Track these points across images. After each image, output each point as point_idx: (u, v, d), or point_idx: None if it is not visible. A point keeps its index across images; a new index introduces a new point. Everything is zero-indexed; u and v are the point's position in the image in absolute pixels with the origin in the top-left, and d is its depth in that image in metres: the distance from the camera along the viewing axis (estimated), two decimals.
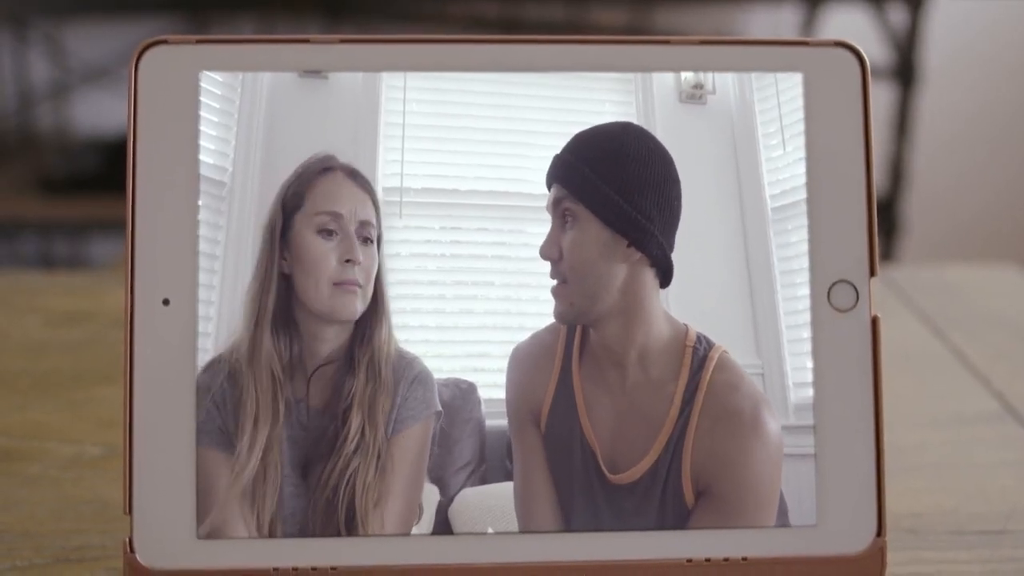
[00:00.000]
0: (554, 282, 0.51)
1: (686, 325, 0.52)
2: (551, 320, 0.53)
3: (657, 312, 0.51)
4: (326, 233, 0.48)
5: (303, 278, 0.48)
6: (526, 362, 0.52)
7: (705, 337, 0.51)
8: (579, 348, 0.53)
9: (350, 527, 0.46)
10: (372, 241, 0.49)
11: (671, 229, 0.51)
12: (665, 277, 0.51)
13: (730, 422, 0.49)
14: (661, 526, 0.51)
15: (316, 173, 0.47)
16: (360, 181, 0.48)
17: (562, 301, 0.50)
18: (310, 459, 0.46)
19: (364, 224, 0.50)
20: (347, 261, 0.48)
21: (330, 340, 0.48)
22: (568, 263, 0.50)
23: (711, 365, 0.50)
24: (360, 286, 0.48)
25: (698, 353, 0.51)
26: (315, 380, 0.47)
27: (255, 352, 0.46)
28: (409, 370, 0.49)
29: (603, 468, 0.52)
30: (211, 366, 0.47)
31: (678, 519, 0.51)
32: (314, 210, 0.48)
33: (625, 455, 0.51)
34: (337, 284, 0.47)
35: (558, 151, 0.51)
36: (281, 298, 0.47)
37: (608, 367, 0.52)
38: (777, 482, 0.50)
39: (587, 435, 0.52)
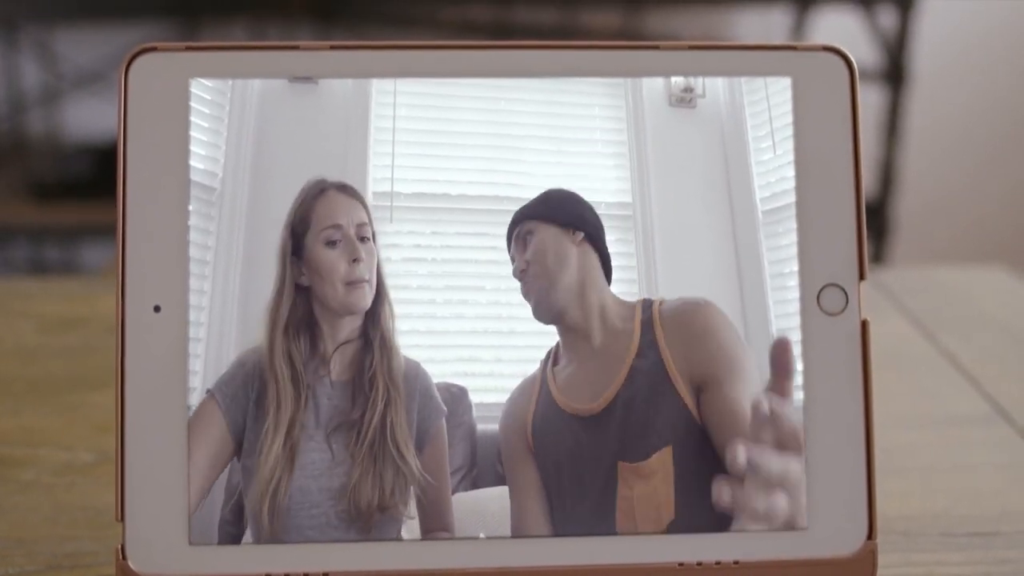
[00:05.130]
0: (525, 281, 0.55)
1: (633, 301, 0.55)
2: (540, 324, 0.54)
3: (607, 288, 0.55)
4: (332, 244, 0.54)
5: (321, 284, 0.54)
6: (515, 397, 0.55)
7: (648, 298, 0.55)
8: (554, 360, 0.55)
9: (391, 465, 0.53)
10: (368, 238, 0.54)
11: (601, 234, 0.55)
12: (605, 266, 0.56)
13: (691, 315, 0.54)
14: (654, 429, 0.52)
15: (313, 197, 0.53)
16: (350, 192, 0.54)
17: (532, 292, 0.55)
18: (339, 425, 0.53)
19: (360, 226, 0.54)
20: (354, 261, 0.54)
21: (346, 328, 0.54)
22: (531, 262, 0.55)
23: (657, 302, 0.55)
24: (367, 280, 0.54)
25: (646, 302, 0.55)
26: (337, 356, 0.54)
27: (272, 351, 0.53)
28: (415, 382, 0.54)
29: (582, 413, 0.54)
30: (249, 354, 0.53)
31: (671, 415, 0.53)
32: (319, 227, 0.54)
33: (600, 388, 0.54)
34: (349, 283, 0.54)
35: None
36: (299, 306, 0.54)
37: (577, 342, 0.55)
38: (743, 342, 0.53)
39: (564, 407, 0.54)
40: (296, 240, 0.53)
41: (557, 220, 0.55)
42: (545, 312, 0.55)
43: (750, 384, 0.53)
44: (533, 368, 0.55)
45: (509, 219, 0.54)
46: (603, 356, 0.55)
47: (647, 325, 0.54)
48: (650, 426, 0.53)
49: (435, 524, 0.53)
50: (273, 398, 0.52)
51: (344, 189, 0.53)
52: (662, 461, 0.52)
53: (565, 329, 0.55)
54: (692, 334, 0.54)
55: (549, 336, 0.54)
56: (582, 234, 0.55)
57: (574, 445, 0.54)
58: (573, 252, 0.55)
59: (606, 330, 0.55)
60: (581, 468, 0.53)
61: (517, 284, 0.54)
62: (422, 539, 0.52)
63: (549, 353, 0.55)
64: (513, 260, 0.55)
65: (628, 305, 0.55)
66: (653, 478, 0.52)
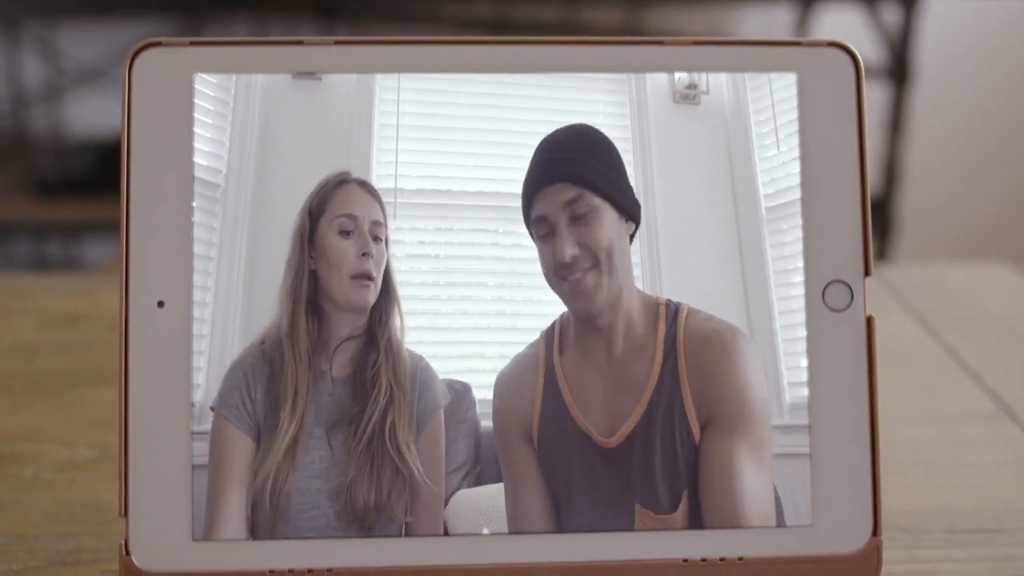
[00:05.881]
0: (577, 277, 0.52)
1: (656, 296, 0.53)
2: (544, 320, 0.53)
3: (634, 281, 0.54)
4: (345, 233, 0.54)
5: (327, 271, 0.54)
6: (511, 381, 0.53)
7: (673, 300, 0.53)
8: (559, 345, 0.54)
9: (389, 465, 0.52)
10: (381, 240, 0.54)
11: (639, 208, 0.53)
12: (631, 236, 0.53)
13: (714, 345, 0.52)
14: (672, 473, 0.51)
15: (335, 185, 0.53)
16: (370, 190, 0.54)
17: (590, 290, 0.52)
18: (338, 420, 0.53)
19: (375, 224, 0.54)
20: (363, 254, 0.54)
21: (349, 324, 0.54)
22: (592, 250, 0.52)
23: (683, 314, 0.53)
24: (373, 278, 0.54)
25: (670, 308, 0.53)
26: (339, 352, 0.54)
27: (294, 328, 0.53)
28: (416, 374, 0.53)
29: (599, 442, 0.52)
30: (245, 355, 0.52)
31: (688, 457, 0.52)
32: (334, 214, 0.54)
33: (617, 419, 0.52)
34: (355, 277, 0.54)
35: (538, 152, 0.52)
36: (309, 290, 0.54)
37: (595, 345, 0.53)
38: (765, 390, 0.52)
39: (578, 421, 0.53)
40: (311, 224, 0.53)
41: (621, 204, 0.52)
42: (581, 314, 0.53)
43: (754, 437, 0.51)
44: (533, 339, 0.54)
45: (511, 215, 0.54)
46: (621, 371, 0.53)
47: (670, 344, 0.52)
48: (669, 469, 0.52)
49: (425, 520, 0.52)
50: (291, 380, 0.52)
51: (365, 186, 0.54)
52: (683, 510, 0.52)
53: (588, 325, 0.53)
54: (711, 367, 0.52)
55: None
56: (634, 225, 0.53)
57: (587, 470, 0.52)
58: (627, 248, 0.53)
59: (628, 339, 0.53)
60: (593, 495, 0.52)
61: (519, 280, 0.54)
62: (426, 535, 0.52)
63: (551, 335, 0.54)
64: (549, 231, 0.52)
65: (651, 305, 0.53)
66: (674, 525, 0.52)
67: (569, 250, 0.52)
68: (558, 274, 0.53)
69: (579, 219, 0.52)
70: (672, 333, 0.52)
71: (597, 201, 0.53)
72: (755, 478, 0.51)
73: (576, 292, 0.53)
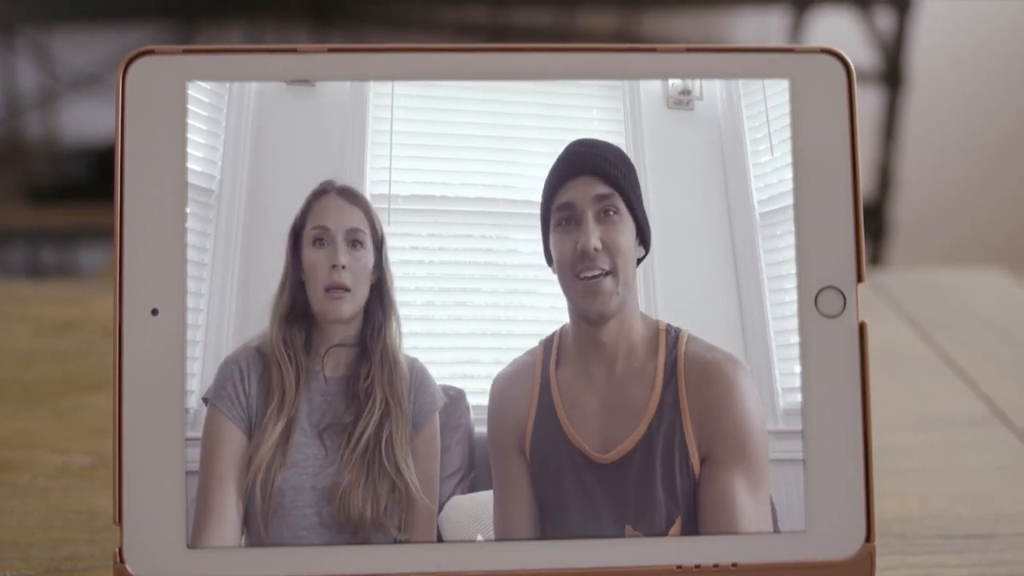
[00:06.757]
0: (594, 275, 0.53)
1: (656, 319, 0.54)
2: (538, 326, 0.54)
3: (638, 304, 0.54)
4: (319, 243, 0.54)
5: (307, 284, 0.54)
6: (506, 388, 0.53)
7: (673, 325, 0.53)
8: (556, 358, 0.54)
9: (386, 480, 0.52)
10: (362, 244, 0.54)
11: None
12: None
13: (714, 375, 0.52)
14: (669, 498, 0.52)
15: (313, 198, 0.53)
16: (349, 197, 0.53)
17: (605, 292, 0.53)
18: (331, 424, 0.53)
19: (351, 231, 0.54)
20: (333, 266, 0.54)
21: (338, 334, 0.54)
22: (613, 253, 0.53)
23: (683, 340, 0.53)
24: (348, 289, 0.54)
25: (670, 334, 0.53)
26: (329, 355, 0.54)
27: (280, 337, 0.53)
28: (412, 378, 0.53)
29: (592, 458, 0.52)
30: (240, 351, 0.53)
31: (686, 485, 0.52)
32: (310, 227, 0.54)
33: (614, 437, 0.52)
34: (327, 290, 0.54)
35: (572, 147, 0.53)
36: (299, 300, 0.54)
37: (595, 361, 0.53)
38: (764, 423, 0.52)
39: (571, 438, 0.53)
40: (295, 237, 0.53)
41: (642, 224, 0.53)
42: (592, 316, 0.53)
43: (753, 470, 0.51)
44: (529, 345, 0.54)
45: (505, 221, 0.54)
46: (619, 393, 0.53)
47: (671, 371, 0.52)
48: (666, 494, 0.52)
49: (418, 537, 0.52)
50: (278, 382, 0.53)
51: (344, 193, 0.53)
52: (675, 535, 0.51)
53: (590, 339, 0.53)
54: (712, 399, 0.52)
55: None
56: (644, 251, 0.53)
57: (579, 486, 0.52)
58: (635, 269, 0.53)
59: (628, 359, 0.53)
60: (584, 511, 0.52)
61: (514, 286, 0.54)
62: (421, 542, 0.52)
63: (549, 345, 0.54)
64: (574, 218, 0.52)
65: (651, 327, 0.53)
66: None
67: (594, 241, 0.53)
68: (575, 268, 0.53)
69: (606, 217, 0.53)
70: (672, 359, 0.53)
71: (624, 208, 0.53)
72: (755, 515, 0.51)
73: (590, 292, 0.53)
